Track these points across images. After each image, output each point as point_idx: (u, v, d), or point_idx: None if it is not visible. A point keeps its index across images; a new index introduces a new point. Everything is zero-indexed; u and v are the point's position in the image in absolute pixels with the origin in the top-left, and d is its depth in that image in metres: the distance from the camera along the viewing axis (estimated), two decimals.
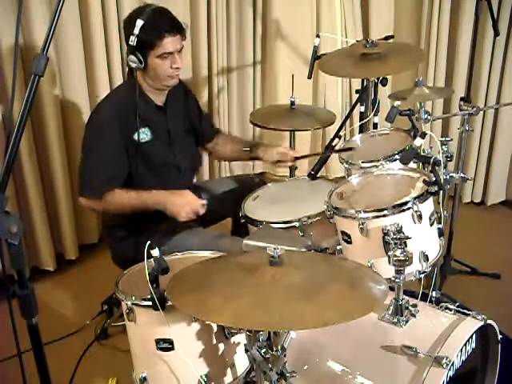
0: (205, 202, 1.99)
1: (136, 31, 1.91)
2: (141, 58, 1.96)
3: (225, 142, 2.46)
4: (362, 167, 1.99)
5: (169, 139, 2.16)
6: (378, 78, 2.46)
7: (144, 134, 2.06)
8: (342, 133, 2.20)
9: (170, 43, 1.97)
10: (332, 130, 3.07)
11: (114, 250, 2.22)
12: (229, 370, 1.52)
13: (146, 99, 2.09)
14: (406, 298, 1.54)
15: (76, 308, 2.63)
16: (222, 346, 1.49)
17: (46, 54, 1.09)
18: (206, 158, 3.54)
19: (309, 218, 1.98)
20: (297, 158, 2.29)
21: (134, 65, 1.98)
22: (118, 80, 2.95)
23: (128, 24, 1.97)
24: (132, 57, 1.96)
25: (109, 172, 2.01)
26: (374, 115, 2.56)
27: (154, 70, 2.01)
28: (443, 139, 2.03)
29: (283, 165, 2.34)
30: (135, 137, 2.03)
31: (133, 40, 1.92)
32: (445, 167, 2.01)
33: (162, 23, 1.96)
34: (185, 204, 1.97)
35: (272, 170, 3.95)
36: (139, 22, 1.91)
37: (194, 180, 2.47)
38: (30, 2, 2.53)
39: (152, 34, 1.94)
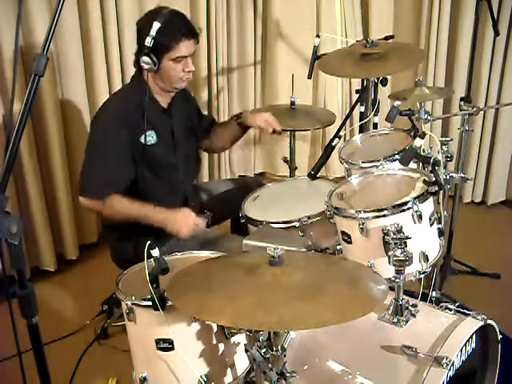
0: (204, 218, 1.98)
1: (152, 33, 1.91)
2: (155, 59, 1.96)
3: (218, 132, 2.44)
4: (361, 167, 1.99)
5: (173, 142, 2.16)
6: (377, 78, 2.46)
7: (150, 137, 2.05)
8: (342, 133, 2.20)
9: (185, 47, 1.98)
10: (332, 129, 3.07)
11: (114, 250, 2.22)
12: (229, 370, 1.52)
13: (153, 101, 2.08)
14: (406, 297, 1.54)
15: (76, 308, 2.63)
16: (222, 346, 1.49)
17: (46, 54, 1.09)
18: (205, 159, 3.55)
19: (309, 217, 1.98)
20: (274, 132, 2.30)
21: (146, 66, 1.98)
22: (117, 80, 2.95)
23: (144, 25, 1.97)
24: (146, 58, 1.96)
25: (112, 174, 2.00)
26: (374, 115, 2.56)
27: (166, 73, 2.01)
28: (443, 139, 2.02)
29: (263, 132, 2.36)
30: (142, 139, 2.02)
31: (149, 41, 1.92)
32: (445, 167, 2.00)
33: (178, 27, 1.96)
34: (185, 222, 1.96)
35: (272, 169, 3.96)
36: (156, 24, 1.91)
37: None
38: (30, 2, 2.53)
39: (169, 36, 1.94)
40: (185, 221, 1.96)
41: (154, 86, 2.07)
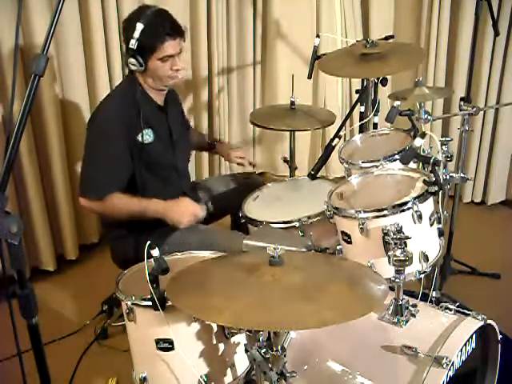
0: (204, 206, 1.99)
1: (136, 35, 1.91)
2: (141, 61, 1.97)
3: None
4: (361, 167, 1.99)
5: (170, 140, 2.16)
6: (377, 78, 2.46)
7: (147, 135, 2.06)
8: (342, 133, 2.20)
9: (170, 46, 1.97)
10: (332, 130, 3.08)
11: (114, 250, 2.22)
12: (229, 370, 1.52)
13: (148, 99, 2.09)
14: (406, 297, 1.54)
15: (76, 308, 2.63)
16: (222, 346, 1.49)
17: (46, 54, 1.09)
18: (205, 158, 3.55)
19: (309, 218, 1.98)
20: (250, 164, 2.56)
21: (134, 67, 1.99)
22: (118, 79, 2.95)
23: (127, 27, 1.97)
24: (132, 60, 1.97)
25: (112, 174, 2.01)
26: (374, 115, 2.56)
27: (154, 72, 2.01)
28: (443, 139, 2.02)
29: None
30: (139, 138, 2.03)
31: (133, 44, 1.92)
32: (445, 167, 2.00)
33: (162, 27, 1.95)
34: (185, 211, 1.97)
35: (272, 169, 3.96)
36: (139, 26, 1.91)
37: (193, 179, 2.48)
38: (30, 1, 2.53)
39: (153, 37, 1.94)
40: (185, 210, 1.98)
41: (145, 84, 2.08)
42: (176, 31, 1.99)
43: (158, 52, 1.96)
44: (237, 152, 2.53)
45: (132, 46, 1.93)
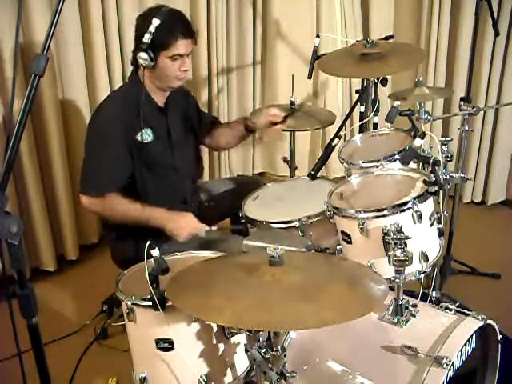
0: (207, 228, 1.96)
1: (152, 29, 1.93)
2: (152, 55, 1.97)
3: (223, 132, 2.43)
4: (362, 167, 1.99)
5: (169, 140, 2.16)
6: (377, 78, 2.46)
7: (147, 135, 2.06)
8: (342, 133, 2.20)
9: (183, 45, 1.99)
10: (332, 130, 3.08)
11: (114, 250, 2.22)
12: (229, 370, 1.52)
13: (149, 99, 2.09)
14: (406, 297, 1.54)
15: (76, 308, 2.63)
16: (222, 346, 1.49)
17: (46, 54, 1.09)
18: (205, 158, 3.55)
19: (309, 218, 1.98)
20: (285, 117, 2.29)
21: (143, 62, 1.99)
22: (118, 80, 2.95)
23: (142, 22, 1.98)
24: (143, 54, 1.97)
25: (112, 173, 2.01)
26: (374, 115, 2.56)
27: (162, 70, 2.02)
28: (443, 139, 2.02)
29: (277, 127, 2.31)
30: (138, 137, 2.03)
31: (147, 38, 1.94)
32: (445, 167, 2.00)
33: (178, 25, 1.98)
34: (186, 226, 1.96)
35: (272, 169, 3.96)
36: (155, 21, 1.93)
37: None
38: (30, 1, 2.53)
39: (167, 34, 1.96)
40: (185, 225, 1.96)
41: (149, 84, 2.08)
42: (189, 31, 2.02)
43: (169, 49, 1.97)
44: (269, 111, 2.31)
45: (146, 40, 1.94)
